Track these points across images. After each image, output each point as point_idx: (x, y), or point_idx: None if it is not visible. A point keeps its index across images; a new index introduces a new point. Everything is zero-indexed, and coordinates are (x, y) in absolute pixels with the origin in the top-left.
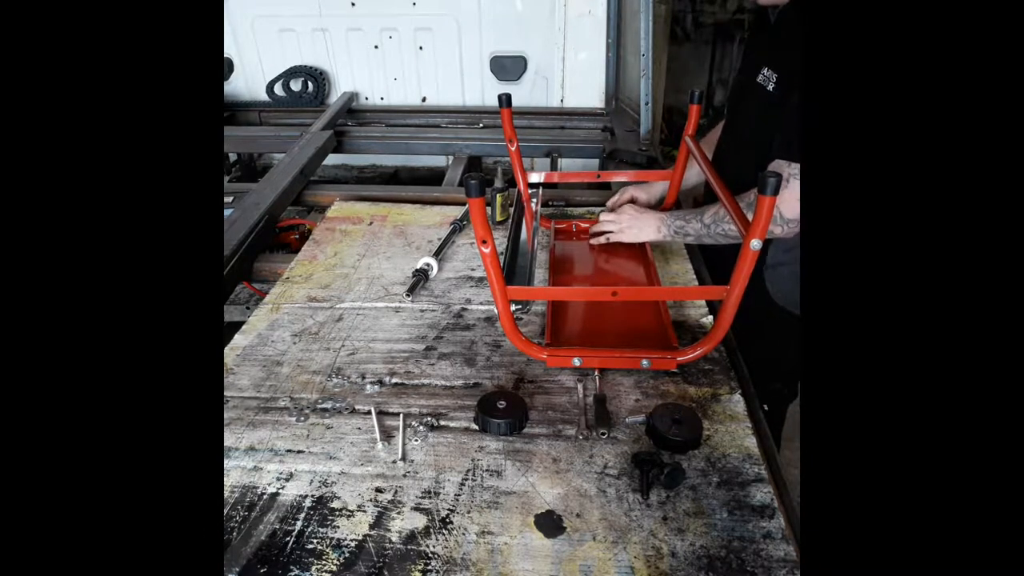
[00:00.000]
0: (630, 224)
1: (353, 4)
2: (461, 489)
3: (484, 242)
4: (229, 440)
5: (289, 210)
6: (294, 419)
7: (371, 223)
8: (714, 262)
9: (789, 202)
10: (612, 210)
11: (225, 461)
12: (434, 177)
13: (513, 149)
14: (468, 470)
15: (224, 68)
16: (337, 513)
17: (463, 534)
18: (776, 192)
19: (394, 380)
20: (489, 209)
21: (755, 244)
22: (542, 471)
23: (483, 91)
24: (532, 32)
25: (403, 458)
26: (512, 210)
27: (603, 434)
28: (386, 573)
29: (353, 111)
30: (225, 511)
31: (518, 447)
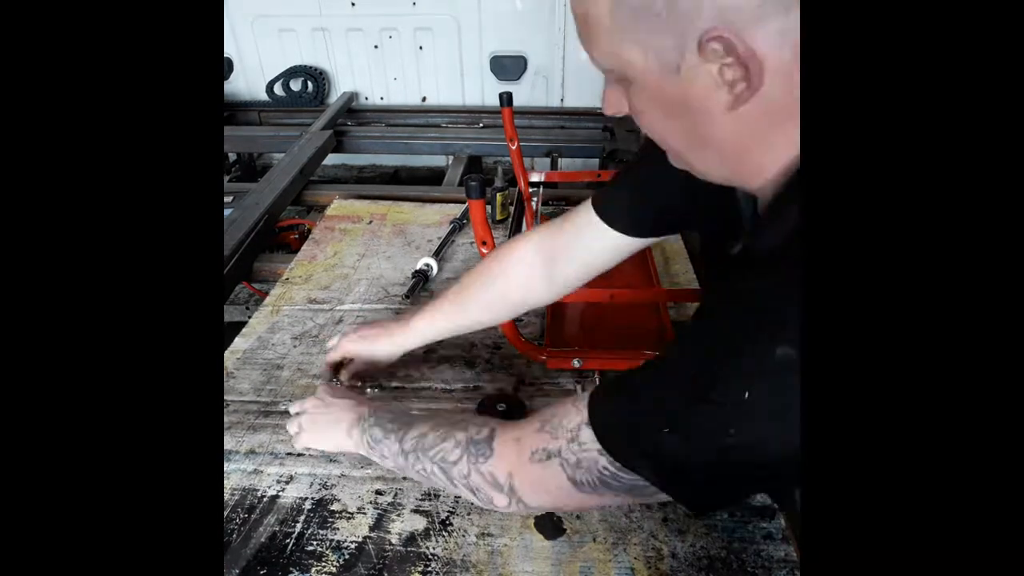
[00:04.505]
0: (311, 426)
1: (353, 4)
2: None
3: (484, 243)
4: (229, 443)
5: (289, 210)
6: None
7: (370, 221)
8: None
9: (539, 483)
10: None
11: (225, 464)
12: (434, 177)
13: (514, 148)
14: None
15: (224, 68)
16: (337, 515)
17: (463, 536)
18: None
19: (394, 383)
20: (489, 208)
21: None
22: None
23: (483, 91)
24: (532, 32)
25: None
26: (512, 209)
27: None
28: (386, 574)
29: (353, 111)
30: (225, 513)
31: None
